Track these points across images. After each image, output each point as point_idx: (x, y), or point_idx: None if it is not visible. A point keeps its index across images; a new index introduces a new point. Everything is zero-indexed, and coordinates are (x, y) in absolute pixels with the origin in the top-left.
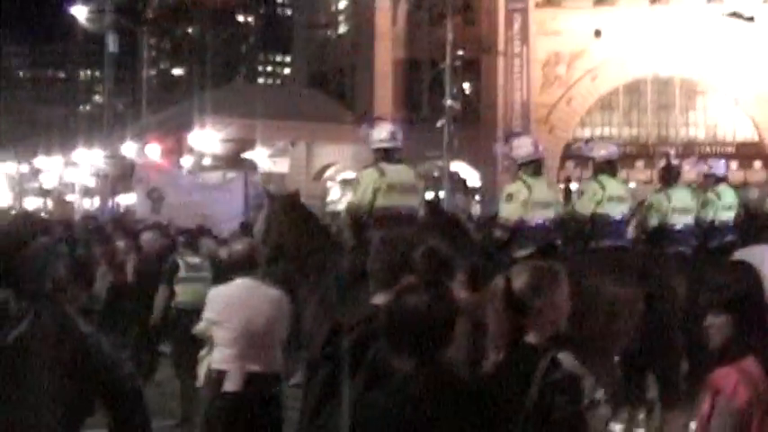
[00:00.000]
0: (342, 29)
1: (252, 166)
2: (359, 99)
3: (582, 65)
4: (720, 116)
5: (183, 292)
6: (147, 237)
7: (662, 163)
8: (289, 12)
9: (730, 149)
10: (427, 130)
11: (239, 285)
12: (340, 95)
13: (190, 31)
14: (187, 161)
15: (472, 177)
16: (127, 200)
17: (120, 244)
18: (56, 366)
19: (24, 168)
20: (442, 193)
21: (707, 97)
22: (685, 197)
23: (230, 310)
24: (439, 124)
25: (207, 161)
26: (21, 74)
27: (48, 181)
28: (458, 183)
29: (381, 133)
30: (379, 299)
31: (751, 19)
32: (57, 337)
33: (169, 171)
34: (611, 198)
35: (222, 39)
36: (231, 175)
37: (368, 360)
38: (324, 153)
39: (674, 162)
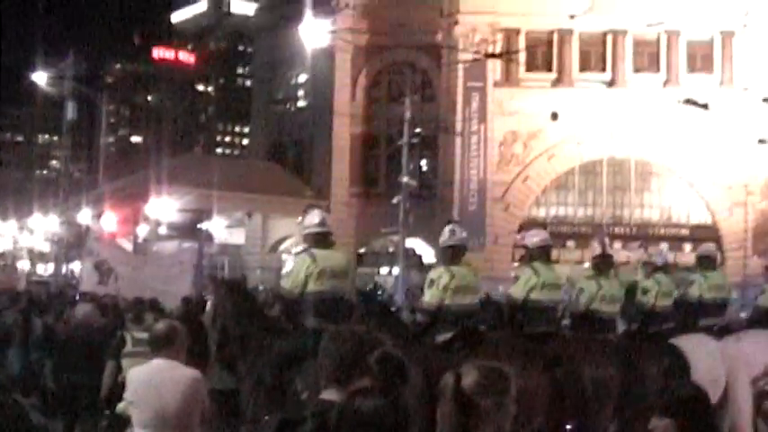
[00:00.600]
0: (301, 102)
1: (208, 236)
2: (316, 172)
3: (538, 144)
4: (675, 198)
5: (129, 367)
6: (82, 309)
7: (597, 250)
8: (248, 83)
9: (684, 232)
10: (383, 205)
11: (154, 366)
12: (298, 168)
13: (149, 99)
14: (143, 230)
15: (427, 254)
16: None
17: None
18: None
19: None
20: (396, 270)
21: (662, 179)
22: (615, 286)
23: (144, 392)
24: (395, 200)
25: (163, 230)
26: None
27: (1, 245)
28: (413, 259)
29: (313, 219)
30: (330, 394)
31: (705, 106)
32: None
33: (119, 245)
34: (545, 285)
35: (182, 108)
36: (186, 245)
37: None
38: (280, 225)
39: (608, 251)
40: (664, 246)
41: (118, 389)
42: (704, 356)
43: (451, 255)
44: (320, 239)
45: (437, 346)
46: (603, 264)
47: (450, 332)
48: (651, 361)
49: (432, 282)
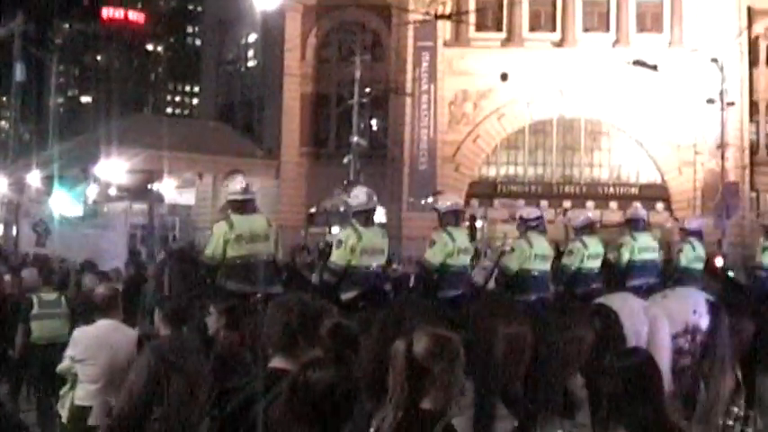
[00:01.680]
0: (251, 63)
1: (158, 197)
2: (267, 133)
3: (488, 104)
4: (624, 158)
5: (37, 329)
6: (25, 273)
7: (524, 213)
8: (198, 42)
9: (634, 191)
10: (334, 165)
11: (102, 326)
12: (248, 129)
13: (99, 59)
14: (93, 191)
15: (378, 213)
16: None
17: (7, 278)
18: None
19: None
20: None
21: (611, 139)
22: (545, 244)
23: (94, 350)
24: (346, 160)
25: (113, 191)
26: None
27: None
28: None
29: (235, 186)
30: (279, 362)
31: (654, 67)
32: None
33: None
34: (460, 250)
35: (131, 68)
36: (136, 205)
37: (251, 419)
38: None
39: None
40: (589, 205)
41: (29, 351)
42: (627, 315)
43: (365, 218)
44: (241, 206)
45: (341, 304)
46: (527, 225)
47: (355, 292)
48: (572, 321)
49: (340, 242)
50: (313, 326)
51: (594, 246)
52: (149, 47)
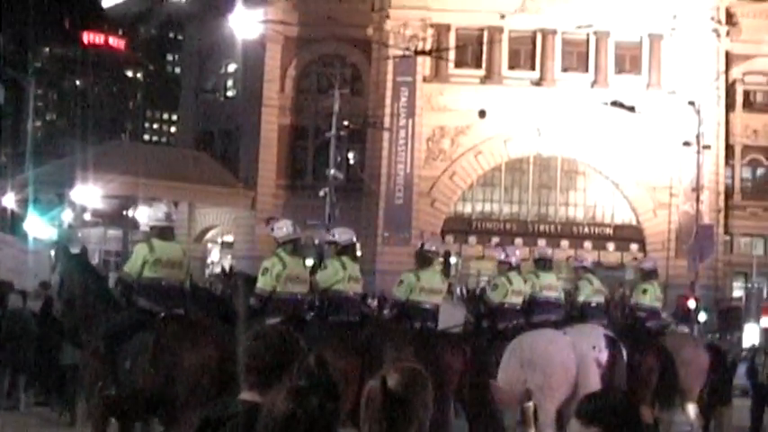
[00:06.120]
0: (230, 92)
1: (134, 223)
2: (244, 163)
3: (466, 140)
4: (600, 198)
5: None
6: None
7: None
8: (178, 70)
9: (608, 231)
10: (310, 197)
11: None
12: (225, 158)
13: (78, 83)
14: (68, 215)
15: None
16: None
17: None
18: None
19: None
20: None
21: (587, 178)
22: (434, 278)
23: None
24: (322, 193)
25: (88, 216)
26: None
27: None
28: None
29: (158, 213)
30: (251, 396)
31: (632, 109)
32: None
33: None
34: (351, 278)
35: (110, 93)
36: (111, 231)
37: None
38: (206, 214)
39: (432, 248)
40: (564, 244)
41: None
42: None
43: (292, 247)
44: (160, 232)
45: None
46: (423, 260)
47: (278, 317)
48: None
49: (266, 270)
50: (287, 359)
51: (517, 282)
52: (129, 73)
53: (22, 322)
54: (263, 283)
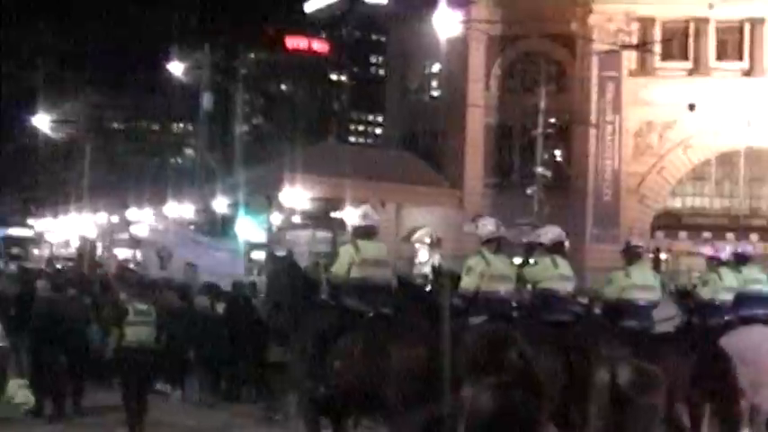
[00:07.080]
0: (434, 92)
1: (341, 225)
2: (450, 163)
3: (674, 135)
4: None
5: (131, 334)
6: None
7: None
8: (382, 72)
9: None
10: (517, 196)
11: None
12: (431, 158)
13: (283, 88)
14: (276, 218)
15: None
16: None
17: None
18: None
19: (115, 219)
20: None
21: None
22: (645, 275)
23: None
24: (529, 191)
25: (296, 219)
26: (115, 125)
27: (138, 232)
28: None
29: (357, 214)
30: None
31: None
32: None
33: (177, 231)
34: (562, 276)
35: (315, 96)
36: (320, 233)
37: None
38: (413, 214)
39: (639, 243)
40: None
41: (121, 352)
42: None
43: (496, 245)
44: (363, 232)
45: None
46: (631, 255)
47: (483, 317)
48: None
49: (469, 269)
50: (497, 353)
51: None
52: (333, 76)
53: (210, 322)
54: (466, 283)
